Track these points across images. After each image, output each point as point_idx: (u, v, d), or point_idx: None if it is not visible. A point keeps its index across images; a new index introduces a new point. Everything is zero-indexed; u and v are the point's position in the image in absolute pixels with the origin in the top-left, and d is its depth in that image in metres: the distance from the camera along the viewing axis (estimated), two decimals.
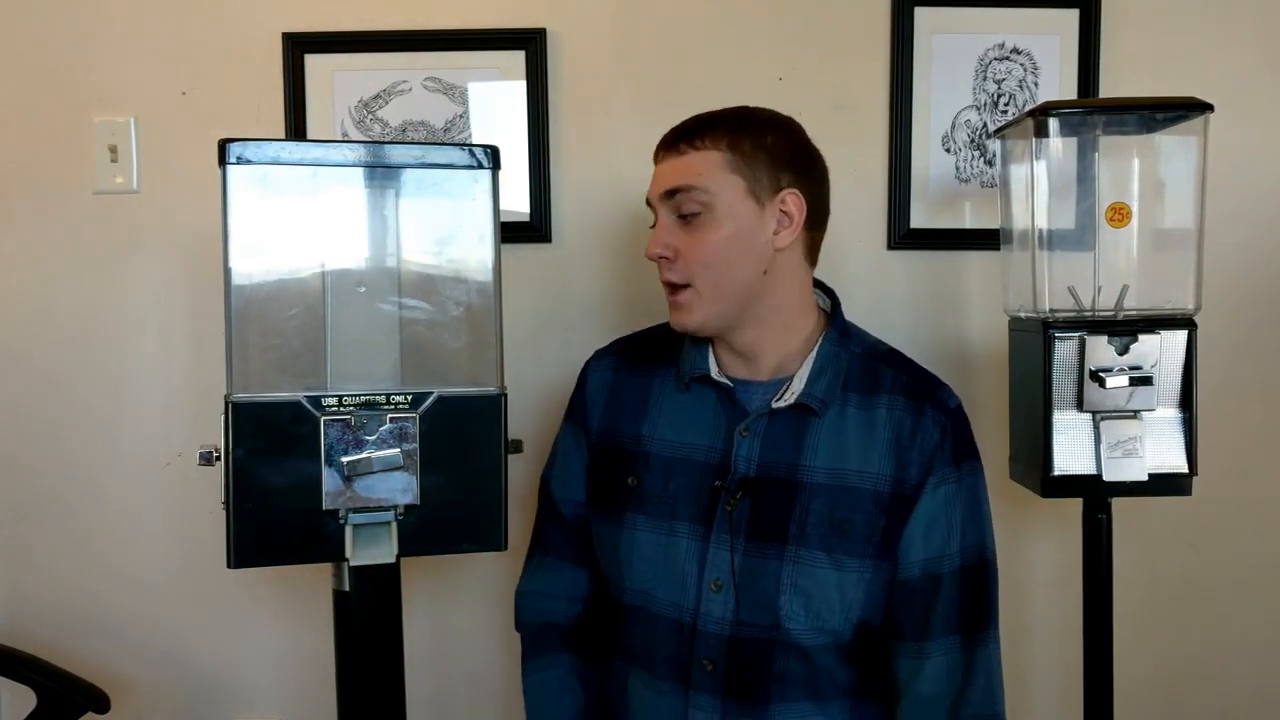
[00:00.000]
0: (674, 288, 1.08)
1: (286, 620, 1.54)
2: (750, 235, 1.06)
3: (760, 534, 1.06)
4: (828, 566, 1.04)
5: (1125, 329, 1.20)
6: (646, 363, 1.18)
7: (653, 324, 1.26)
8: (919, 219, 1.50)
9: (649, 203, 1.10)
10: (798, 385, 1.08)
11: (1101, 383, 1.19)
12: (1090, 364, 1.19)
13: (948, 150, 1.50)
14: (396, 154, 1.05)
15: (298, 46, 1.47)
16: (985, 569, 1.09)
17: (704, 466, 1.10)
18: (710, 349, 1.13)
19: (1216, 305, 1.36)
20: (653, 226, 1.10)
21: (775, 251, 1.07)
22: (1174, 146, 1.26)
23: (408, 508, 1.04)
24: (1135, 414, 1.21)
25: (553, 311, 1.52)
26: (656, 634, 1.10)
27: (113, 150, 1.48)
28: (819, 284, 1.16)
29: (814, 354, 1.10)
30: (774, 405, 1.08)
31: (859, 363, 1.11)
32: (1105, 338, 1.19)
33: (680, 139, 1.07)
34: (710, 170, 1.05)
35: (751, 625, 1.06)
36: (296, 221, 1.03)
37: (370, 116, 1.48)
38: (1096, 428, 1.21)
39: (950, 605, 1.07)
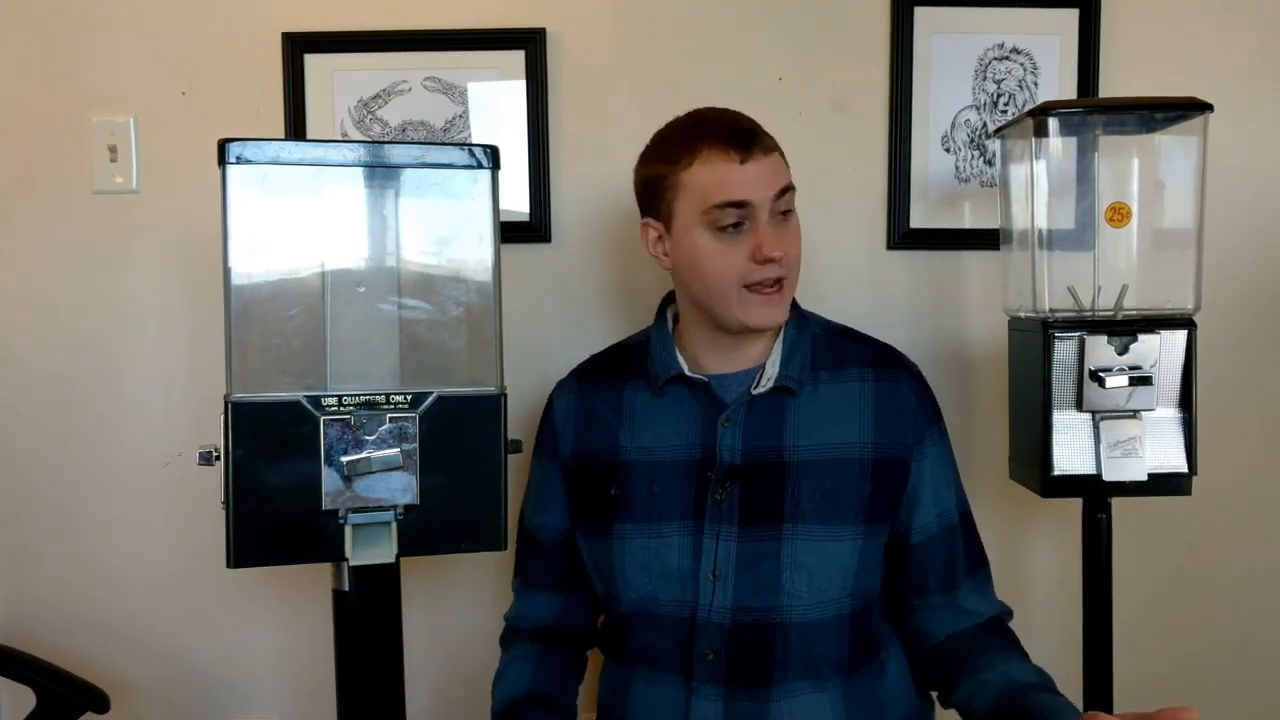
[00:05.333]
0: (776, 282, 1.08)
1: (286, 620, 1.54)
2: None
3: (754, 518, 1.08)
4: (825, 538, 1.08)
5: (1125, 329, 1.20)
6: (612, 379, 1.20)
7: (645, 327, 1.26)
8: (919, 219, 1.50)
9: (738, 204, 1.05)
10: (772, 370, 1.12)
11: (1101, 383, 1.18)
12: (1090, 364, 1.19)
13: (947, 150, 1.50)
14: (396, 154, 1.05)
15: (298, 46, 1.47)
16: (970, 513, 1.20)
17: (687, 464, 1.11)
18: (676, 350, 1.15)
19: (1216, 305, 1.36)
20: (735, 226, 1.06)
21: None
22: (1174, 146, 1.26)
23: (407, 508, 1.04)
24: (1135, 414, 1.21)
25: (553, 311, 1.52)
26: (659, 633, 1.11)
27: (113, 150, 1.48)
28: None
29: (780, 339, 1.14)
30: (754, 391, 1.11)
31: (821, 342, 1.16)
32: (1105, 338, 1.19)
33: (761, 138, 1.08)
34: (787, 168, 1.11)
35: (751, 610, 1.08)
36: (296, 221, 1.03)
37: (370, 116, 1.48)
38: (1096, 428, 1.21)
39: (962, 551, 1.16)
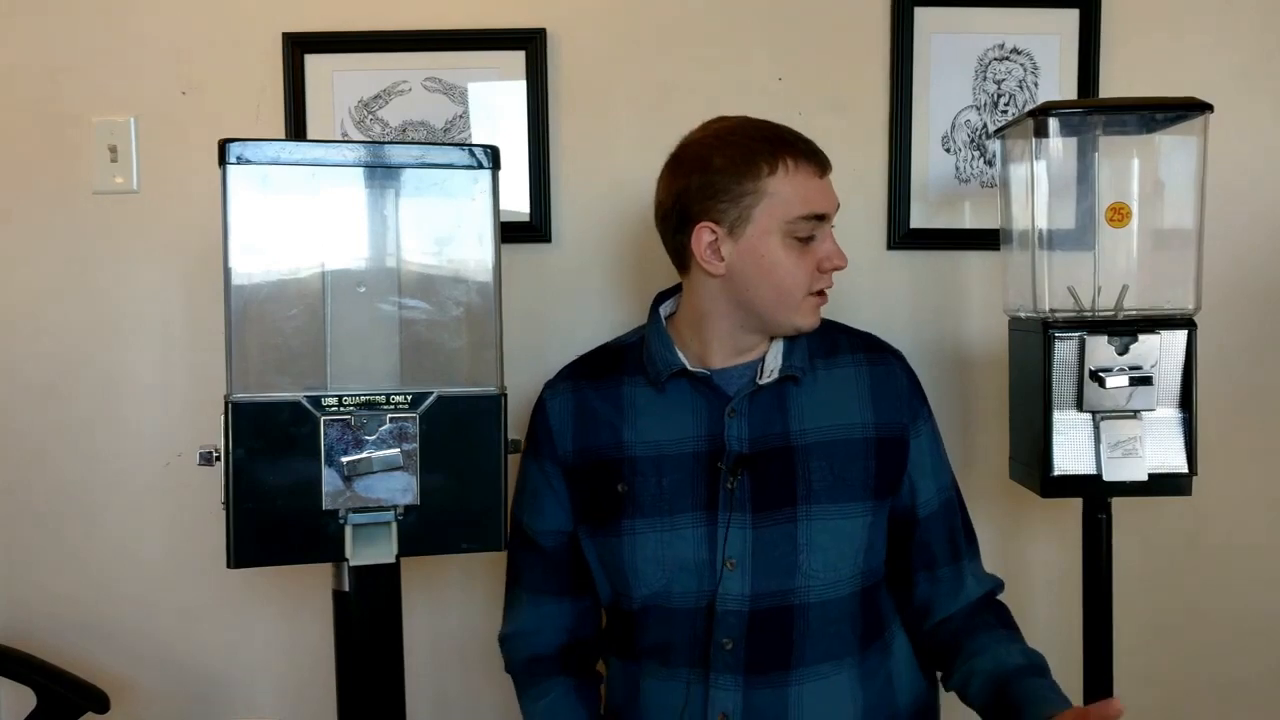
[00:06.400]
0: (823, 292, 1.14)
1: (286, 620, 1.54)
2: None
3: (767, 504, 1.10)
4: (838, 517, 1.11)
5: (1125, 329, 1.20)
6: (607, 375, 1.20)
7: (634, 328, 1.27)
8: (919, 219, 1.50)
9: (820, 216, 1.10)
10: (774, 361, 1.15)
11: (1101, 383, 1.19)
12: (1090, 364, 1.19)
13: (948, 150, 1.50)
14: (396, 154, 1.06)
15: (298, 46, 1.47)
16: (959, 488, 1.25)
17: (695, 456, 1.12)
18: (674, 345, 1.16)
19: (1216, 305, 1.36)
20: (809, 237, 1.10)
21: None
22: (1174, 146, 1.26)
23: (407, 508, 1.04)
24: (1135, 414, 1.21)
25: (553, 311, 1.52)
26: (672, 627, 1.12)
27: (113, 150, 1.48)
28: None
29: None
30: (760, 382, 1.13)
31: (814, 333, 1.18)
32: (1105, 338, 1.19)
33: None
34: None
35: (769, 595, 1.09)
36: (296, 221, 1.03)
37: (370, 116, 1.48)
38: (1096, 428, 1.21)
39: (961, 525, 1.22)
